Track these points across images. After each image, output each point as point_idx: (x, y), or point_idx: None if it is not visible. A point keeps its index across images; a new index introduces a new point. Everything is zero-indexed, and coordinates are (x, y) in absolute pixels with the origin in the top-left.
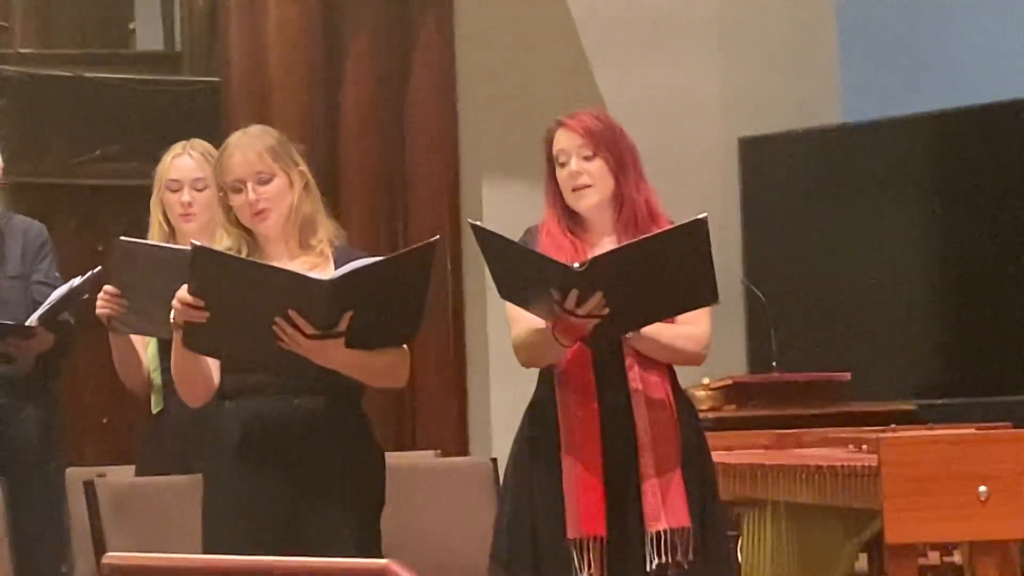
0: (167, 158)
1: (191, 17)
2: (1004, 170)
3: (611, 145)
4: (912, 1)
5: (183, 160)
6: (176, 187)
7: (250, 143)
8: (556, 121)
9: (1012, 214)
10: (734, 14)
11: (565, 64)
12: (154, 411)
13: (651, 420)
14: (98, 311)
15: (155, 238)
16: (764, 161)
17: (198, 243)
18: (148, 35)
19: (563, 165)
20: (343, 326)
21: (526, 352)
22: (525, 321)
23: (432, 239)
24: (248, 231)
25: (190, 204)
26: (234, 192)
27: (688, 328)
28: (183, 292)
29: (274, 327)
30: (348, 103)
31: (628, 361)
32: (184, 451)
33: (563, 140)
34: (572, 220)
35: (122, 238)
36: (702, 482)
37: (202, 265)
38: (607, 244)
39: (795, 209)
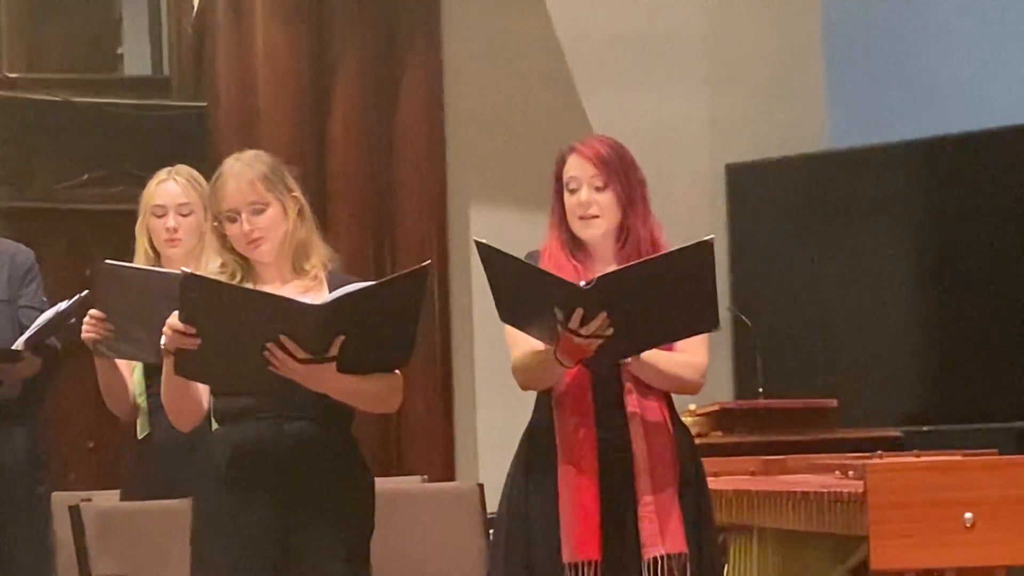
0: (152, 184)
1: (179, 42)
2: (990, 198)
3: (622, 177)
4: (899, 30)
5: (168, 185)
6: (161, 212)
7: (243, 171)
8: (569, 146)
9: (998, 241)
10: (722, 42)
11: (553, 90)
12: (140, 436)
13: (649, 445)
14: (84, 335)
15: (141, 264)
16: (751, 188)
17: (188, 270)
18: (136, 60)
19: (573, 192)
20: (335, 351)
21: (526, 374)
22: (525, 344)
23: (424, 263)
24: (242, 256)
25: (175, 229)
26: (229, 221)
27: (686, 356)
28: (173, 319)
29: (265, 352)
30: (336, 128)
31: (626, 386)
32: (170, 476)
33: (575, 167)
34: (575, 244)
35: (107, 261)
36: (698, 508)
37: (192, 292)
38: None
39: (782, 236)
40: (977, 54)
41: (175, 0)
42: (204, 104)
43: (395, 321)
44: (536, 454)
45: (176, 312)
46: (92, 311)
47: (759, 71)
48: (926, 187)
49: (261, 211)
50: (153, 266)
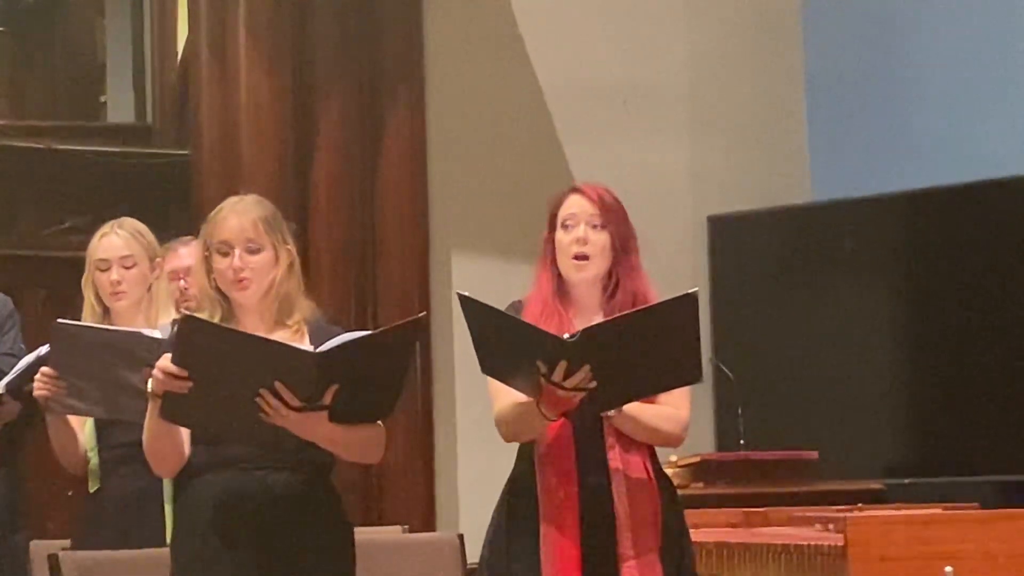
0: (95, 238)
1: (162, 90)
2: (971, 251)
3: (619, 223)
4: (881, 82)
5: (110, 239)
6: (105, 266)
7: (248, 209)
8: (571, 186)
9: (979, 295)
10: (704, 93)
11: (536, 140)
12: (91, 491)
13: (631, 503)
14: (35, 392)
15: (88, 318)
16: (733, 239)
17: (187, 312)
18: (119, 108)
19: (568, 228)
20: (328, 399)
21: (509, 427)
22: (507, 396)
23: (419, 316)
24: (224, 297)
25: (119, 282)
26: (220, 254)
27: (668, 409)
28: (165, 361)
29: (258, 399)
30: (319, 176)
31: (609, 441)
32: (121, 530)
33: (575, 205)
34: (561, 291)
35: (59, 320)
36: (680, 563)
37: (189, 335)
38: (594, 321)
39: (763, 288)
40: (960, 107)
41: (159, 48)
42: (187, 152)
43: (387, 372)
44: (519, 505)
45: (166, 355)
46: (44, 368)
47: (742, 123)
48: (908, 240)
49: (255, 252)
50: (101, 321)
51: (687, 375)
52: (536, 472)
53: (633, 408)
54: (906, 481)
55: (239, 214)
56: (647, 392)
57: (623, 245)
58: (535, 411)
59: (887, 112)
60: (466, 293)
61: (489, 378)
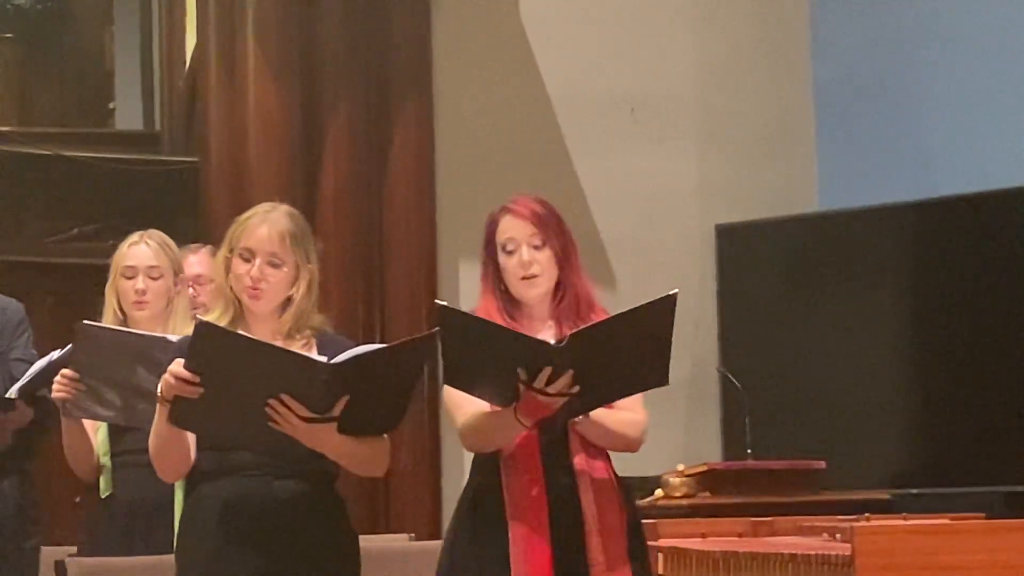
0: (124, 246)
1: (171, 97)
2: (980, 261)
3: (558, 234)
4: (889, 92)
5: (139, 248)
6: (131, 274)
7: (279, 221)
8: (501, 207)
9: (988, 304)
10: (713, 102)
11: (544, 149)
12: (102, 495)
13: (598, 505)
14: (54, 394)
15: (108, 324)
16: (741, 249)
17: (203, 318)
18: (128, 115)
19: (511, 253)
20: (338, 411)
21: (477, 437)
22: (470, 406)
23: (432, 331)
24: (238, 300)
25: (144, 292)
26: (241, 259)
27: (629, 414)
28: (177, 366)
29: (267, 408)
30: (327, 184)
31: (573, 446)
32: (130, 536)
33: (512, 228)
34: (512, 305)
35: (85, 322)
36: (643, 564)
37: (204, 340)
38: (547, 331)
39: (771, 297)
40: (969, 117)
41: (167, 55)
42: (195, 159)
43: (396, 386)
44: (483, 516)
45: (178, 360)
46: (64, 371)
47: (750, 132)
48: (916, 250)
49: (277, 266)
50: (121, 327)
51: (655, 378)
52: (502, 477)
53: (599, 414)
54: (914, 491)
55: (271, 224)
56: (618, 396)
57: (565, 254)
58: (511, 419)
59: (895, 122)
60: (444, 303)
61: (448, 390)
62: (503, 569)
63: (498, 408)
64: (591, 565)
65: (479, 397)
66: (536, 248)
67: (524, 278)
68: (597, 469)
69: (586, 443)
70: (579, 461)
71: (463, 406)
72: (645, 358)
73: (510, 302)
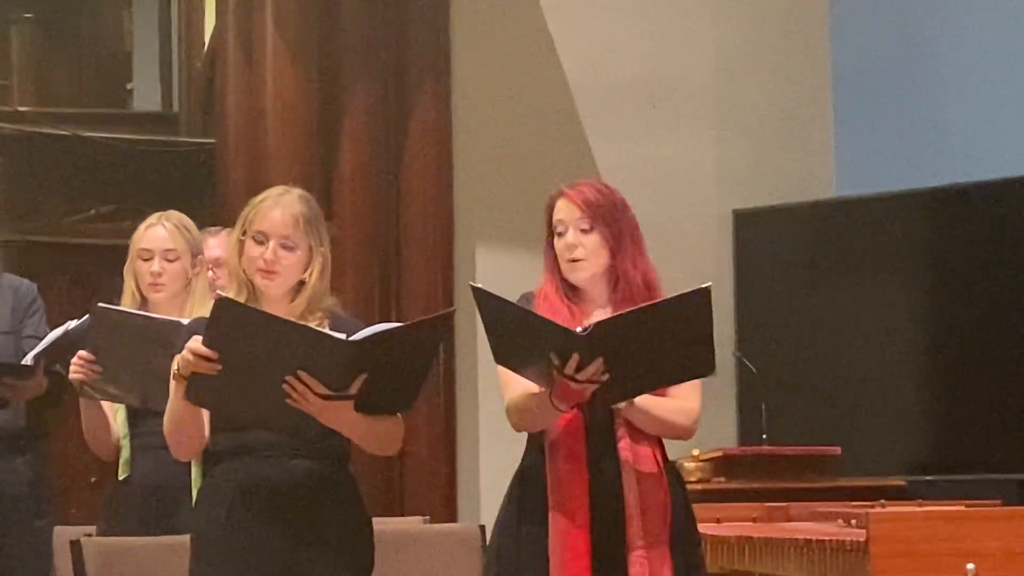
0: (141, 228)
1: (189, 79)
2: (996, 247)
3: (610, 220)
4: (907, 77)
5: (156, 230)
6: (148, 256)
7: (292, 204)
8: (559, 190)
9: (1004, 291)
10: (730, 88)
11: (561, 134)
12: (121, 477)
13: (640, 492)
14: (71, 375)
15: (127, 306)
16: (758, 234)
17: (223, 294)
18: (146, 95)
19: (560, 235)
20: (355, 389)
21: (519, 417)
22: (519, 385)
23: (449, 310)
24: (251, 282)
25: (160, 274)
26: (255, 242)
27: (679, 402)
28: (195, 343)
29: (285, 385)
30: (344, 167)
31: (619, 432)
32: (147, 518)
33: (563, 210)
34: (569, 288)
35: (101, 304)
36: (688, 555)
37: (223, 317)
38: (602, 315)
39: (788, 282)
40: (986, 104)
41: (185, 37)
42: (213, 141)
43: (413, 365)
44: (528, 497)
45: (195, 337)
46: (81, 352)
47: (768, 117)
48: (933, 236)
49: (290, 248)
50: (139, 309)
51: (699, 368)
52: (547, 461)
53: (644, 400)
54: (929, 478)
55: (284, 207)
56: (659, 385)
57: (616, 240)
58: (547, 402)
59: (913, 107)
60: (479, 285)
61: (500, 367)
62: (543, 551)
63: (539, 390)
64: (630, 549)
65: (525, 377)
66: (584, 232)
67: (569, 260)
68: (642, 455)
69: (633, 429)
70: (624, 447)
71: (511, 384)
72: (686, 348)
73: (568, 284)
